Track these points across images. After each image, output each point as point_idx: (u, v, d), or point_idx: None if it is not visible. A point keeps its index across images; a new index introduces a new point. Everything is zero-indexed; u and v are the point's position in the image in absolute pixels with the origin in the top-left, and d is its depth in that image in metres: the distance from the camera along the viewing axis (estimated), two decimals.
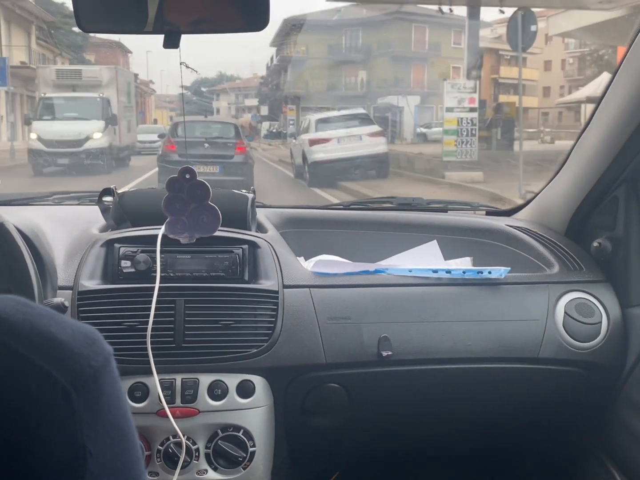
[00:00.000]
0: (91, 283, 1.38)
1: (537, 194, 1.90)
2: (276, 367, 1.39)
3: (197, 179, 1.31)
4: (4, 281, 1.07)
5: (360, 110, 16.64)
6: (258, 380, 1.38)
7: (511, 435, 1.76)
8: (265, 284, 1.43)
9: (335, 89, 36.16)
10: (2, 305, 0.45)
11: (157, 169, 10.97)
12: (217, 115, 50.69)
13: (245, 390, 1.37)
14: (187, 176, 1.30)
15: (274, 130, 34.09)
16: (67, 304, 1.18)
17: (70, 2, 0.93)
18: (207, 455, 1.35)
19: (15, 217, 1.25)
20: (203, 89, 53.71)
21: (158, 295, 1.31)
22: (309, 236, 1.77)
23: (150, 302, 1.30)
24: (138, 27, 1.00)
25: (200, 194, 1.30)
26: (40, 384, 0.43)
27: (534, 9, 12.02)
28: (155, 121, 46.50)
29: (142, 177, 12.16)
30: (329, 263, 1.57)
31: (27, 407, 0.42)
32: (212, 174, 9.72)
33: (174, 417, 1.30)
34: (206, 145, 10.31)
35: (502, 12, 15.19)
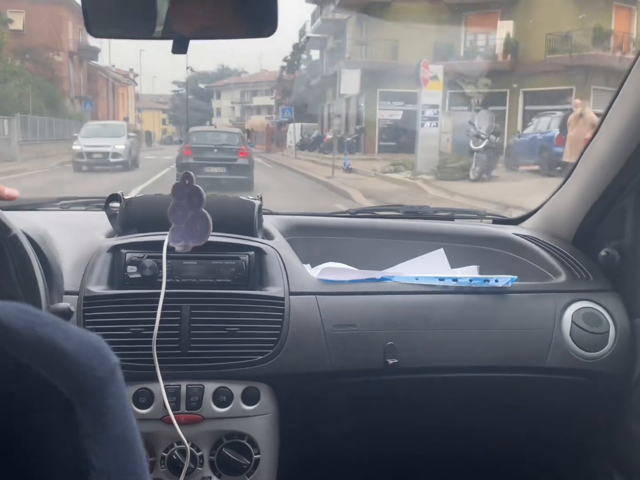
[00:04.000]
0: (97, 288, 1.38)
1: (544, 203, 1.90)
2: (281, 375, 1.38)
3: (194, 184, 1.29)
4: (11, 287, 1.08)
5: None
6: (263, 388, 1.38)
7: (517, 445, 1.75)
8: (271, 290, 1.42)
9: (448, 57, 19.90)
10: (6, 313, 0.44)
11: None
12: (217, 117, 43.02)
13: (250, 397, 1.37)
14: (187, 182, 1.29)
15: (331, 136, 22.14)
16: (73, 309, 1.19)
17: None
18: (211, 463, 1.35)
19: (23, 223, 1.25)
20: (201, 86, 44.73)
21: (164, 301, 1.31)
22: (315, 243, 1.77)
23: (156, 308, 1.30)
24: (147, 33, 1.00)
25: (196, 201, 1.29)
26: (44, 395, 0.42)
27: None
28: (127, 119, 36.50)
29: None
30: (335, 270, 1.57)
31: (29, 419, 0.41)
32: (220, 173, 11.98)
33: (178, 424, 1.29)
34: (215, 150, 12.45)
35: None
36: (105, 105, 33.66)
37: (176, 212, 1.31)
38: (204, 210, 1.28)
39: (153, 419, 1.32)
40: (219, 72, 48.55)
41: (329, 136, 23.47)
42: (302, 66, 34.13)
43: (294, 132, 27.16)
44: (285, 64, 33.62)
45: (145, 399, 1.32)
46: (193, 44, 1.00)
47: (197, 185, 1.28)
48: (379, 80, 20.63)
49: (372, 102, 23.31)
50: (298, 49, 32.53)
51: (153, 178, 13.61)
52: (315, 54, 32.89)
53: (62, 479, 0.42)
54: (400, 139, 21.08)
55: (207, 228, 1.28)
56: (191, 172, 1.29)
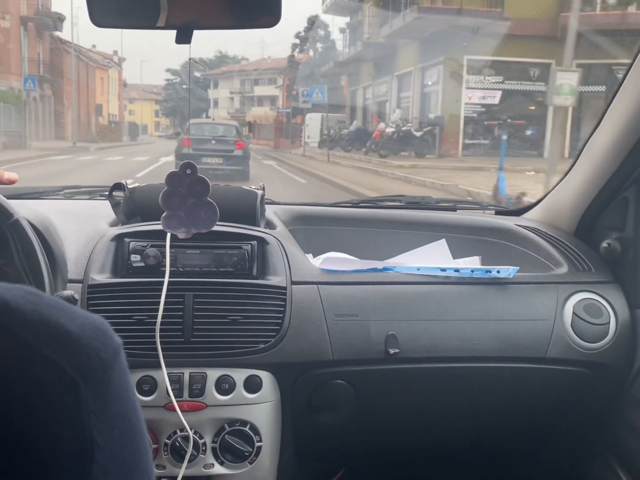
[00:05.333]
0: (101, 277, 1.39)
1: (546, 194, 1.90)
2: (283, 363, 1.39)
3: (198, 174, 1.29)
4: (16, 274, 1.08)
5: None
6: (265, 376, 1.39)
7: (517, 435, 1.76)
8: (274, 280, 1.43)
9: (582, 6, 12.00)
10: (12, 295, 0.45)
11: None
12: (214, 108, 39.77)
13: (253, 385, 1.38)
14: (188, 171, 1.28)
15: (392, 129, 15.71)
16: (77, 297, 1.20)
17: None
18: (213, 450, 1.36)
19: (27, 211, 1.26)
20: (197, 74, 39.43)
21: (167, 290, 1.32)
22: (317, 233, 1.77)
23: (159, 297, 1.31)
24: (150, 23, 1.01)
25: (200, 190, 1.28)
26: (49, 375, 0.42)
27: None
28: (99, 108, 30.41)
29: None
30: (337, 260, 1.57)
31: (35, 398, 0.42)
32: (217, 164, 12.58)
33: (181, 411, 1.31)
34: (213, 142, 12.99)
35: None
36: (73, 89, 25.45)
37: (171, 200, 1.30)
38: (209, 199, 1.28)
39: (156, 406, 1.33)
40: (216, 59, 42.70)
41: (388, 129, 16.06)
42: (319, 45, 27.94)
43: (324, 123, 19.76)
44: (297, 41, 26.87)
45: (148, 386, 1.33)
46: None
47: (202, 176, 1.28)
48: (466, 41, 11.94)
49: (452, 78, 15.30)
50: (313, 22, 25.91)
51: None
52: (335, 29, 26.26)
53: (67, 456, 0.43)
54: (494, 135, 14.31)
55: (214, 216, 1.29)
56: (193, 162, 1.29)
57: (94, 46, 32.66)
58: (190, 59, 1.46)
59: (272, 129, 26.74)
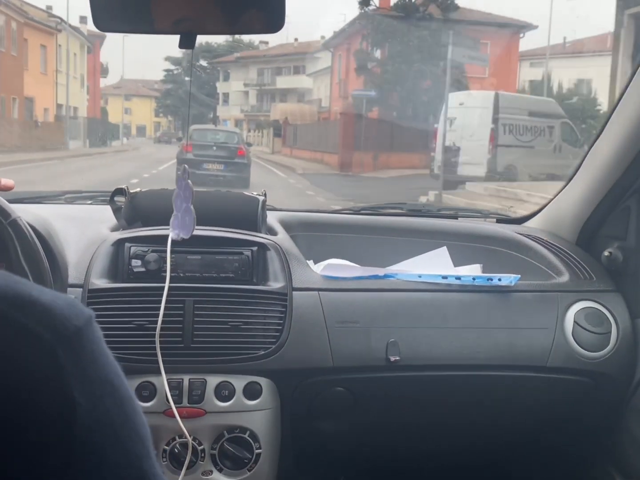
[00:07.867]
0: (102, 281, 1.38)
1: (548, 203, 1.90)
2: (283, 370, 1.39)
3: (188, 179, 1.32)
4: (21, 275, 1.08)
5: None
6: (265, 383, 1.38)
7: (517, 444, 1.75)
8: (274, 286, 1.43)
9: None
10: None
11: None
12: (223, 106, 33.59)
13: (252, 392, 1.37)
14: (185, 175, 1.32)
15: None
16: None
17: None
18: (212, 456, 1.35)
19: (28, 215, 1.25)
20: (203, 63, 30.83)
21: (168, 295, 1.32)
22: (319, 240, 1.77)
23: (159, 302, 1.31)
24: (154, 27, 1.01)
25: (188, 195, 1.32)
26: (26, 341, 0.45)
27: None
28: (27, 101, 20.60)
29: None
30: (339, 267, 1.57)
31: (14, 364, 0.44)
32: (219, 170, 12.87)
33: (180, 417, 1.30)
34: (214, 148, 13.29)
35: None
36: None
37: (177, 200, 1.33)
38: (191, 206, 1.31)
39: (155, 412, 1.32)
40: (227, 45, 31.88)
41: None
42: None
43: (498, 118, 10.08)
44: None
45: (148, 392, 1.33)
46: None
47: (189, 181, 1.30)
48: None
49: None
50: None
51: None
52: None
53: (46, 415, 0.44)
54: None
55: (193, 222, 1.31)
56: (186, 166, 1.30)
57: (49, 8, 21.00)
58: (192, 65, 1.46)
59: (323, 132, 17.13)
